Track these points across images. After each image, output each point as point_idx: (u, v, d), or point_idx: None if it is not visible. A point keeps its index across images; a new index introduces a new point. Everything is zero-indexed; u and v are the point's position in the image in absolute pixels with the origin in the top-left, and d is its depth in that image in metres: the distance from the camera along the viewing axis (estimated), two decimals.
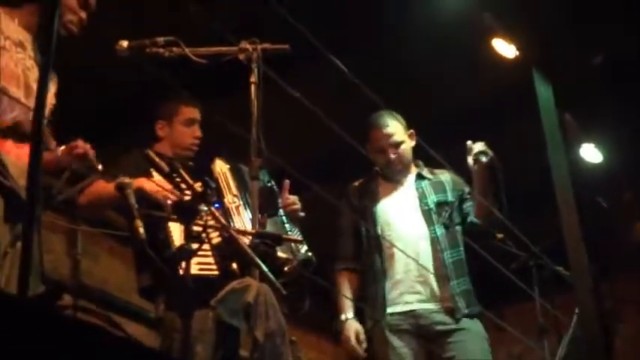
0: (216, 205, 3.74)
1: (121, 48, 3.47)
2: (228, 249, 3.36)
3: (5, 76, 3.06)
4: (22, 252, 1.83)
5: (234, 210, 3.69)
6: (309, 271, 3.43)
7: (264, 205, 3.03)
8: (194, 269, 3.45)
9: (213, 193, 2.62)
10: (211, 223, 2.75)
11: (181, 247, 2.51)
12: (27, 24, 3.24)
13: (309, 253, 3.58)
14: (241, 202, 3.74)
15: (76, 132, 3.31)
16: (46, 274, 5.85)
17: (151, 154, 2.69)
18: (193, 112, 4.10)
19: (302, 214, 3.90)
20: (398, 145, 4.41)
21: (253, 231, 2.81)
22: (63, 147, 3.22)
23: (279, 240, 2.73)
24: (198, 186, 2.60)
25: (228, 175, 3.85)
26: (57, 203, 3.31)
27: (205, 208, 2.65)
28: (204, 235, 2.54)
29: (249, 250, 2.52)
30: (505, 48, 5.35)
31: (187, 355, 3.32)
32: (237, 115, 3.10)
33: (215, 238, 3.57)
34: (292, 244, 3.45)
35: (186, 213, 2.55)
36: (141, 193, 3.29)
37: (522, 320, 6.37)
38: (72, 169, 3.18)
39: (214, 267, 3.55)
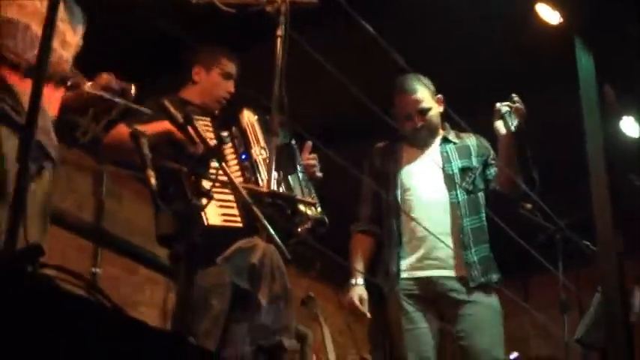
0: (244, 156, 3.69)
1: None
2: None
3: (28, 13, 2.99)
4: (13, 203, 1.74)
5: (260, 162, 3.63)
6: (322, 232, 3.35)
7: (282, 163, 2.95)
8: (218, 220, 3.41)
9: (225, 148, 2.52)
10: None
11: (189, 202, 2.43)
12: None
13: (322, 215, 3.52)
14: (268, 155, 3.67)
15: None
16: (68, 213, 5.93)
17: (166, 103, 2.61)
18: (232, 68, 4.08)
19: (320, 174, 3.84)
20: (425, 111, 4.30)
21: (266, 190, 2.74)
22: (89, 82, 3.16)
23: (291, 201, 2.65)
24: (210, 139, 2.52)
25: (257, 126, 3.79)
26: (83, 142, 3.25)
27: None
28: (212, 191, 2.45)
29: (257, 211, 2.45)
30: (549, 14, 5.20)
31: (203, 307, 3.30)
32: (258, 68, 3.02)
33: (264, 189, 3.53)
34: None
35: (196, 167, 2.47)
36: (171, 136, 3.24)
37: (546, 292, 6.31)
38: (97, 104, 3.10)
39: (238, 219, 3.50)
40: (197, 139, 2.50)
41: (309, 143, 3.81)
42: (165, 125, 3.16)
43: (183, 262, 2.60)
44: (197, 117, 3.77)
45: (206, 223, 3.37)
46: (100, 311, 1.52)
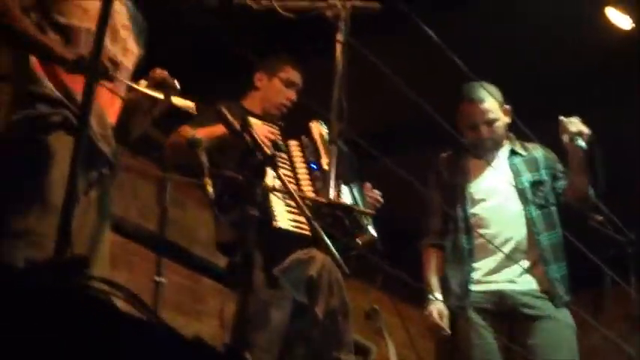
0: (313, 166, 3.65)
1: None
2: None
3: (90, 18, 2.97)
4: (63, 209, 1.71)
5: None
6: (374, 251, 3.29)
7: (342, 172, 2.89)
8: (288, 224, 3.37)
9: (279, 157, 2.48)
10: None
11: (244, 211, 2.39)
12: None
13: (374, 233, 3.45)
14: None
15: None
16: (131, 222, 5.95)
17: (223, 110, 2.58)
18: (296, 76, 4.06)
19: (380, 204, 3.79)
20: (492, 122, 4.15)
21: (324, 200, 2.67)
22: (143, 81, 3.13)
23: (349, 211, 2.59)
24: (267, 148, 2.47)
25: (326, 138, 3.73)
26: (134, 142, 3.23)
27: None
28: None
29: (313, 222, 2.39)
30: (620, 18, 5.07)
31: (262, 319, 3.26)
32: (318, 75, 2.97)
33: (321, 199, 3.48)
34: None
35: (253, 175, 2.42)
36: (230, 142, 3.19)
37: (617, 306, 6.13)
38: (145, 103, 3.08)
39: (307, 227, 3.45)
40: (254, 147, 2.44)
41: (368, 185, 3.74)
42: (224, 130, 3.13)
43: (240, 272, 2.58)
44: (265, 123, 3.75)
45: (275, 225, 3.33)
46: (147, 327, 1.47)
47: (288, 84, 4.02)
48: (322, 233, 2.32)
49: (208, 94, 3.54)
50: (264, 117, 3.89)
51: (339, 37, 3.10)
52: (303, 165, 3.68)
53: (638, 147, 5.17)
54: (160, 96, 2.97)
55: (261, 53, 4.13)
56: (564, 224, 4.16)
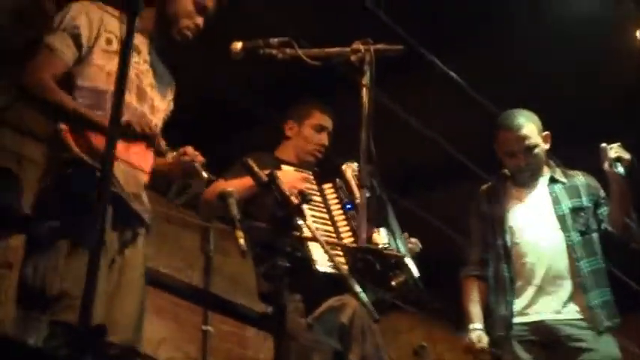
0: (349, 206, 3.66)
1: (235, 49, 3.41)
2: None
3: (114, 80, 3.03)
4: (87, 273, 1.73)
5: None
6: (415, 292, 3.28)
7: (374, 215, 2.89)
8: (326, 267, 3.37)
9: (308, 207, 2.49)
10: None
11: (274, 263, 2.40)
12: (143, 28, 3.22)
13: (417, 275, 3.43)
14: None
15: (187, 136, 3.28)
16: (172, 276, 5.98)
17: (250, 162, 2.60)
18: (325, 120, 4.07)
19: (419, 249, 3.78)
20: (531, 149, 4.11)
21: (353, 245, 2.68)
22: (174, 153, 3.17)
23: (380, 255, 2.59)
24: (295, 198, 2.48)
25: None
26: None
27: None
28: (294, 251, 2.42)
29: (342, 269, 2.39)
30: None
31: None
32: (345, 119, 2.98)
33: (347, 237, 3.50)
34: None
35: (280, 226, 2.44)
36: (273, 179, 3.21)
37: None
38: (180, 180, 3.14)
39: (345, 267, 3.45)
40: (280, 198, 2.46)
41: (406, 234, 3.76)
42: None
43: (275, 321, 2.58)
44: (298, 170, 3.77)
45: (315, 269, 3.34)
46: None
47: (319, 129, 4.03)
48: (350, 279, 2.32)
49: (241, 147, 3.60)
50: (299, 165, 3.91)
51: (365, 80, 3.11)
52: (339, 207, 3.70)
53: None
54: (205, 175, 3.02)
55: (285, 103, 4.16)
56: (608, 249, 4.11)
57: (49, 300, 2.75)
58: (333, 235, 3.56)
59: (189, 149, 3.16)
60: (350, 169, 3.76)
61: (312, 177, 3.80)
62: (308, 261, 3.31)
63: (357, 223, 3.34)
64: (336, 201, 3.73)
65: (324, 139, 4.02)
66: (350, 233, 3.55)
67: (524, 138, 4.10)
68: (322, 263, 3.38)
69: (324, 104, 4.12)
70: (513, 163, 4.15)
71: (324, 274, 3.36)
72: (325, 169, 3.96)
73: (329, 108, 4.12)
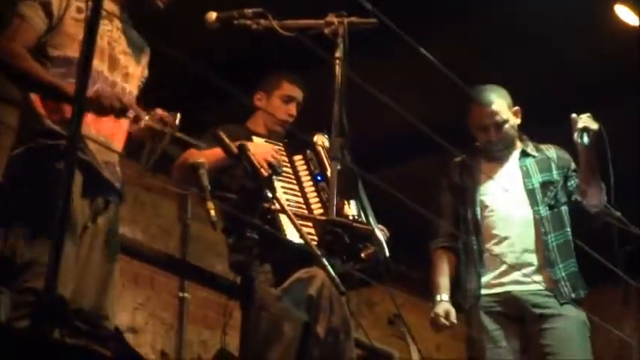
0: (319, 178, 3.68)
1: (210, 19, 3.41)
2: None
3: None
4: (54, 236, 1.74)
5: None
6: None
7: (344, 188, 2.92)
8: (295, 237, 3.40)
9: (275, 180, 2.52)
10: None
11: (243, 234, 2.42)
12: None
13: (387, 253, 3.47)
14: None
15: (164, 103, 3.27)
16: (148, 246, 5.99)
17: (220, 133, 2.61)
18: (294, 90, 4.07)
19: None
20: (501, 124, 4.17)
21: (321, 217, 2.71)
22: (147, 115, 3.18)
23: (349, 227, 2.62)
24: (264, 170, 2.51)
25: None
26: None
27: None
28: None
29: (309, 242, 2.42)
30: (628, 16, 5.05)
31: (274, 333, 3.29)
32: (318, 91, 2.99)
33: (317, 209, 3.52)
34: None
35: (250, 197, 2.46)
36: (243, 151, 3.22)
37: None
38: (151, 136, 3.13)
39: (315, 238, 3.48)
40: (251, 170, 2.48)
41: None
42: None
43: (244, 292, 2.62)
44: (269, 141, 3.78)
45: (284, 237, 3.36)
46: None
47: (287, 99, 4.03)
48: (318, 252, 2.35)
49: (214, 116, 3.61)
50: (269, 135, 3.92)
51: (338, 53, 3.12)
52: (309, 178, 3.71)
53: None
54: (169, 130, 3.01)
55: (261, 72, 4.16)
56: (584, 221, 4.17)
57: (19, 268, 2.77)
58: (303, 206, 3.59)
59: (158, 110, 3.15)
60: (321, 140, 3.78)
61: (282, 148, 3.81)
62: (278, 232, 3.34)
63: (328, 195, 3.38)
64: (307, 172, 3.75)
65: (292, 109, 4.02)
66: (320, 205, 3.57)
67: (495, 113, 4.16)
68: (292, 234, 3.41)
69: (294, 75, 4.11)
70: (484, 138, 4.21)
71: (294, 244, 3.39)
72: (297, 141, 3.96)
73: (298, 78, 4.11)
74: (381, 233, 3.57)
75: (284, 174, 3.58)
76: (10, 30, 2.96)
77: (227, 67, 4.85)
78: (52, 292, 1.62)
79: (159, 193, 6.28)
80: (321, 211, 3.51)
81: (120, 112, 2.91)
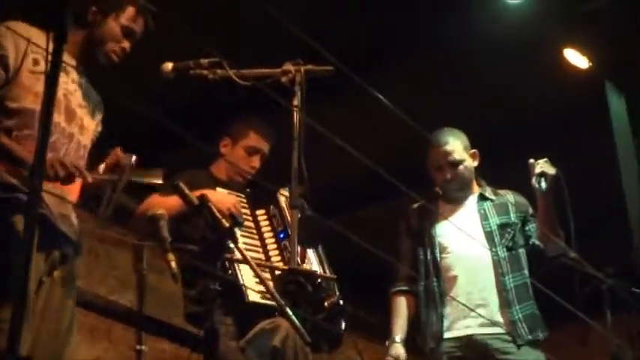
0: (282, 236, 3.62)
1: (166, 70, 3.40)
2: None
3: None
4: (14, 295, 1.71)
5: None
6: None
7: (305, 237, 2.90)
8: (256, 296, 3.37)
9: (238, 231, 2.50)
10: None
11: (206, 287, 2.40)
12: (72, 48, 3.19)
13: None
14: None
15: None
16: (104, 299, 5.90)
17: (181, 185, 2.59)
18: (260, 142, 4.01)
19: None
20: (456, 164, 4.24)
21: (284, 267, 2.69)
22: (102, 166, 3.15)
23: (312, 277, 2.60)
24: (225, 221, 2.49)
25: None
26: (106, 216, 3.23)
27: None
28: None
29: (273, 291, 2.40)
30: (577, 59, 5.15)
31: None
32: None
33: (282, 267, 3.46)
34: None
35: (211, 249, 2.44)
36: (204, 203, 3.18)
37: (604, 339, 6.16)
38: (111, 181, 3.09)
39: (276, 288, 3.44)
40: (212, 221, 2.46)
41: None
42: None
43: (207, 344, 2.58)
44: (232, 192, 3.72)
45: (246, 300, 3.34)
46: None
47: (252, 151, 3.98)
48: (282, 302, 2.33)
49: (178, 162, 3.59)
50: (229, 184, 3.89)
51: (296, 102, 3.12)
52: (272, 235, 3.66)
53: (604, 184, 5.20)
54: (114, 177, 2.99)
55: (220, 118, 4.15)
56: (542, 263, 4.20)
57: None
58: (265, 263, 3.53)
59: (117, 149, 3.12)
60: (283, 197, 3.72)
61: (244, 201, 3.76)
62: (239, 288, 3.31)
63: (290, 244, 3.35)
64: (269, 229, 3.68)
65: (255, 162, 3.97)
66: (282, 263, 3.50)
67: (449, 153, 4.24)
68: (252, 292, 3.37)
69: (263, 124, 4.06)
70: (439, 177, 4.28)
71: (253, 303, 3.35)
72: (259, 190, 3.93)
73: (267, 128, 4.06)
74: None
75: (245, 228, 3.54)
76: None
77: (186, 115, 4.83)
78: (15, 353, 1.58)
79: (114, 244, 6.21)
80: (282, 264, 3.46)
81: (65, 179, 2.87)
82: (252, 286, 3.40)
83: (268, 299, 3.38)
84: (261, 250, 3.60)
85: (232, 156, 3.96)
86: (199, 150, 4.06)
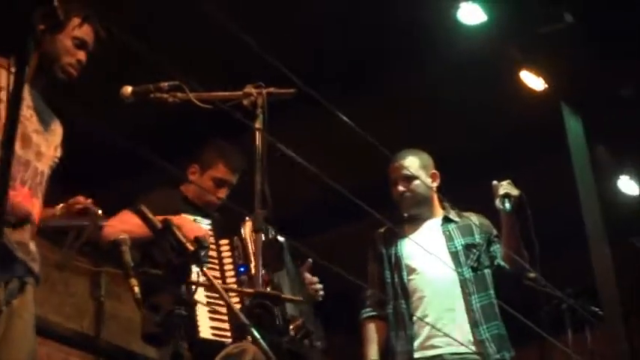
0: (242, 270, 3.54)
1: (125, 94, 3.36)
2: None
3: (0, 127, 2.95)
4: None
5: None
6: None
7: (269, 260, 2.87)
8: (207, 333, 3.33)
9: (206, 253, 2.47)
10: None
11: (171, 311, 2.36)
12: None
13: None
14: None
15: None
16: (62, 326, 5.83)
17: (143, 210, 2.55)
18: (228, 175, 3.92)
19: (321, 295, 3.74)
20: (409, 179, 4.28)
21: (250, 290, 2.66)
22: (61, 205, 3.11)
23: (277, 300, 2.57)
24: (190, 245, 2.45)
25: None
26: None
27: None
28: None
29: (240, 314, 2.38)
30: (533, 81, 5.21)
31: None
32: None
33: (237, 303, 3.39)
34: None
35: (176, 273, 2.41)
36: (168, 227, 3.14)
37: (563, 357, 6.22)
38: (75, 227, 3.06)
39: (228, 333, 3.40)
40: (177, 245, 2.43)
41: (310, 262, 3.68)
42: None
43: None
44: (198, 218, 3.64)
45: (197, 336, 3.29)
46: None
47: (218, 183, 3.91)
48: (248, 324, 2.30)
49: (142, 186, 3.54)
50: (199, 207, 3.84)
51: (257, 124, 3.10)
52: (232, 267, 3.57)
53: (563, 204, 5.26)
54: (82, 223, 2.97)
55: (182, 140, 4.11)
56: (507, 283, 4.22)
57: None
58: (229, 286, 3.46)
59: (81, 198, 3.09)
60: (249, 227, 3.60)
61: (210, 228, 3.66)
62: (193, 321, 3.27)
63: (252, 275, 3.30)
64: (230, 261, 3.60)
65: (222, 193, 3.90)
66: (238, 299, 3.38)
67: (403, 167, 4.29)
68: (204, 329, 3.32)
69: (233, 155, 3.94)
70: (394, 192, 4.32)
71: (205, 339, 3.30)
72: (225, 220, 3.85)
73: (236, 160, 3.94)
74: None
75: (209, 256, 3.48)
76: None
77: (145, 138, 4.79)
78: None
79: (71, 271, 6.12)
80: (239, 305, 3.39)
81: (23, 221, 2.84)
82: (205, 323, 3.35)
83: (219, 337, 3.34)
84: (220, 281, 3.50)
85: (200, 183, 3.88)
86: (163, 173, 4.02)
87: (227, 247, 3.62)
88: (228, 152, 3.95)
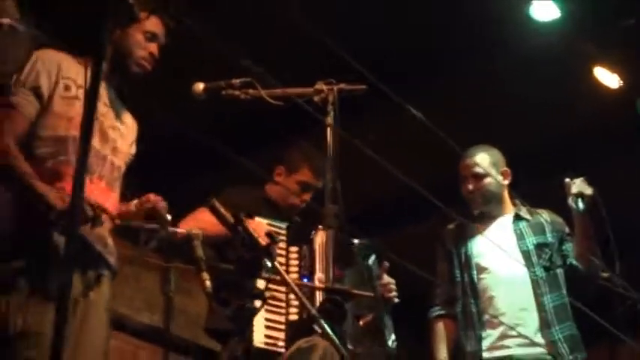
0: (305, 280, 3.50)
1: (197, 91, 3.39)
2: (302, 326, 3.21)
3: (77, 125, 2.99)
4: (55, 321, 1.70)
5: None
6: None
7: (340, 256, 2.86)
8: (260, 341, 3.29)
9: (275, 249, 2.46)
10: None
11: (241, 305, 2.38)
12: None
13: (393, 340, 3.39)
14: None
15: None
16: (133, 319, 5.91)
17: (215, 204, 2.56)
18: (314, 180, 3.88)
19: (396, 299, 3.68)
20: (479, 176, 4.21)
21: (321, 285, 2.66)
22: (135, 201, 3.15)
23: (348, 295, 2.56)
24: (262, 239, 2.46)
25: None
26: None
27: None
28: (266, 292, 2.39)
29: (311, 309, 2.38)
30: (608, 77, 5.11)
31: None
32: None
33: (293, 314, 3.38)
34: None
35: (248, 268, 2.42)
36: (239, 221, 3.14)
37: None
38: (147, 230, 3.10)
39: (282, 343, 3.34)
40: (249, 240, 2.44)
41: (387, 264, 3.62)
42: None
43: None
44: (271, 223, 3.61)
45: (251, 344, 3.28)
46: None
47: (304, 186, 3.89)
48: (320, 319, 2.30)
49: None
50: (280, 211, 3.82)
51: (329, 120, 3.10)
52: (297, 276, 3.49)
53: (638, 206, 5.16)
54: (153, 226, 3.01)
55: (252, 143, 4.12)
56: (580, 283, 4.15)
57: (11, 338, 2.71)
58: (282, 304, 3.41)
59: (151, 195, 3.13)
60: (320, 238, 3.49)
61: (284, 233, 3.58)
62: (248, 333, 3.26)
63: (326, 263, 3.26)
64: (297, 269, 3.57)
65: (306, 197, 3.88)
66: (297, 309, 3.35)
67: (473, 164, 4.22)
68: (258, 337, 3.29)
69: (319, 159, 3.67)
70: (464, 189, 4.26)
71: (257, 348, 3.27)
72: (302, 225, 3.78)
73: (322, 164, 3.56)
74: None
75: (277, 262, 3.45)
76: (2, 122, 2.91)
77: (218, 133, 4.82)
78: None
79: (141, 266, 6.21)
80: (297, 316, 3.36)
81: (92, 221, 2.88)
82: (259, 331, 3.32)
83: (272, 345, 3.31)
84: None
85: (285, 186, 3.87)
86: (239, 170, 4.01)
87: (296, 255, 3.57)
88: (313, 156, 3.88)
